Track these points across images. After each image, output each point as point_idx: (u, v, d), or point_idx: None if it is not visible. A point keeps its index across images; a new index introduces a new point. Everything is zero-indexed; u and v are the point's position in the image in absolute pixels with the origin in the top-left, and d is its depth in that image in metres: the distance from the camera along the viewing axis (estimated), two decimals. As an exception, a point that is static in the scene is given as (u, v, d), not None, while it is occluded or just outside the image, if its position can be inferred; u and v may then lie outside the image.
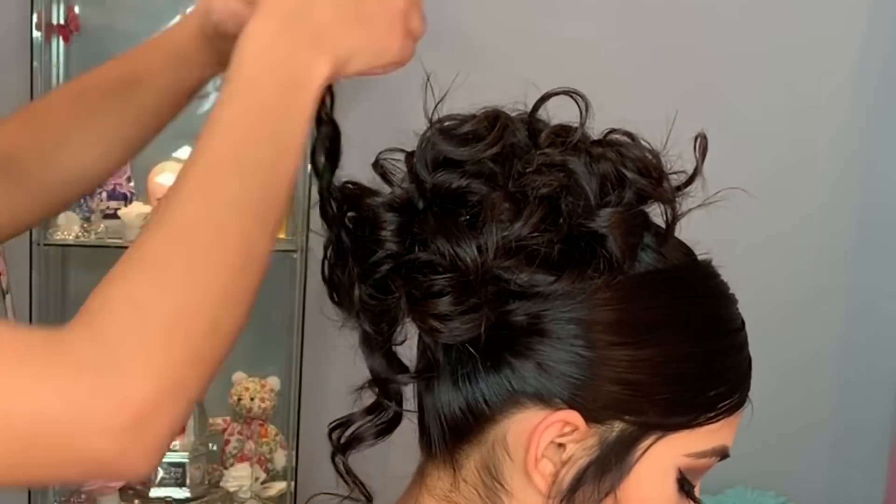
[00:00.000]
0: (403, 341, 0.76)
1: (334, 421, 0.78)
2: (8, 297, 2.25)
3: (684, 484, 0.75)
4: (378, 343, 0.75)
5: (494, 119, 0.74)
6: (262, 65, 0.69)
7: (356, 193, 0.75)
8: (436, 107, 0.75)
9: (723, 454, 0.77)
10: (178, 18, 2.28)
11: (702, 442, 0.75)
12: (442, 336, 0.72)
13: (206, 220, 0.65)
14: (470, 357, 0.73)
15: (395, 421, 0.77)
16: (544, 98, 0.76)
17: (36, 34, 2.14)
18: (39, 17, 2.14)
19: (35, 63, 2.14)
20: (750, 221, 2.46)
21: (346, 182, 0.76)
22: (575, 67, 2.36)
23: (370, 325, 0.74)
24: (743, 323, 0.78)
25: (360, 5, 0.71)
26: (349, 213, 0.75)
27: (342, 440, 0.77)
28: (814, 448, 2.57)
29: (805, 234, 2.50)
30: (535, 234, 0.70)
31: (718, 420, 0.75)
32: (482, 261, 0.70)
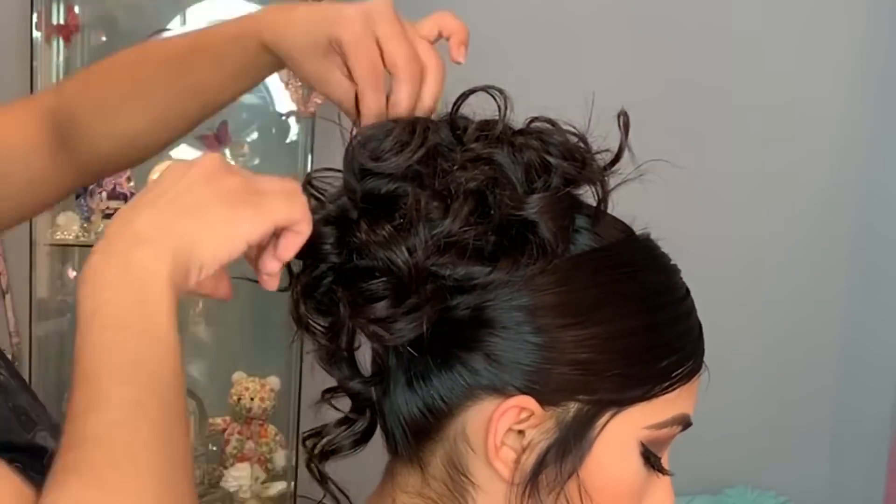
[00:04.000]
0: (358, 347, 0.76)
1: (308, 431, 0.80)
2: (8, 296, 2.26)
3: (650, 457, 0.75)
4: (333, 353, 0.76)
5: (414, 125, 0.75)
6: (101, 288, 0.66)
7: None
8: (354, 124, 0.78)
9: (684, 423, 0.77)
10: (177, 18, 2.30)
11: (660, 413, 0.75)
12: (386, 339, 0.73)
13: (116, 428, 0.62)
14: (420, 357, 0.74)
15: (370, 429, 0.79)
16: (463, 96, 0.77)
17: (36, 34, 2.14)
18: (39, 17, 2.14)
19: (35, 63, 2.14)
20: (748, 220, 2.46)
21: None
22: (574, 65, 2.36)
23: (322, 338, 0.76)
24: (687, 291, 0.78)
25: (181, 199, 0.68)
26: None
27: (318, 449, 0.78)
28: (813, 448, 2.57)
29: (805, 232, 2.50)
30: (466, 227, 0.72)
31: (673, 389, 0.75)
32: (414, 261, 0.71)
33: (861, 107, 2.47)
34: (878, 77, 2.47)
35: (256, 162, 2.39)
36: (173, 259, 0.66)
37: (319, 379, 0.79)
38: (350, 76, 0.81)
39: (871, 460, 2.51)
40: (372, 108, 0.79)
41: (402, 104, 0.79)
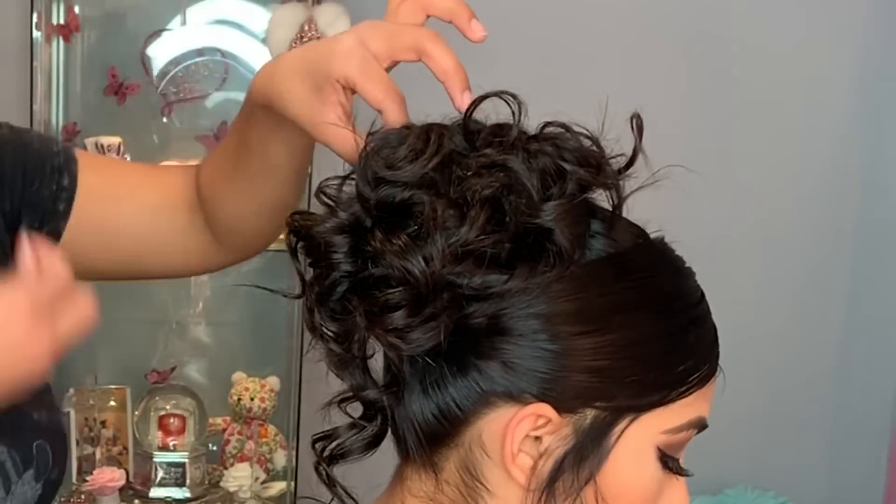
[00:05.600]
0: (372, 355, 0.76)
1: (317, 434, 0.79)
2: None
3: (668, 461, 0.75)
4: (347, 361, 0.75)
5: (428, 131, 0.74)
6: None
7: (305, 224, 0.75)
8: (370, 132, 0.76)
9: (700, 426, 0.77)
10: (178, 18, 2.30)
11: (677, 417, 0.75)
12: (403, 349, 0.72)
13: None
14: (436, 365, 0.73)
15: (381, 434, 0.78)
16: (477, 102, 0.76)
17: (36, 34, 2.14)
18: (39, 17, 2.14)
19: (35, 63, 2.14)
20: (749, 220, 2.46)
21: (293, 213, 0.77)
22: (584, 69, 2.36)
23: (336, 346, 0.75)
24: (702, 294, 0.78)
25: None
26: (300, 244, 0.76)
27: (326, 452, 0.78)
28: (814, 448, 2.57)
29: (804, 233, 2.49)
30: (482, 236, 0.71)
31: (690, 394, 0.75)
32: (431, 270, 0.70)
33: (862, 103, 2.47)
34: (880, 75, 2.47)
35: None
36: None
37: (320, 379, 0.78)
38: (345, 115, 0.80)
39: (872, 460, 2.51)
40: (400, 124, 0.78)
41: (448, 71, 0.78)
